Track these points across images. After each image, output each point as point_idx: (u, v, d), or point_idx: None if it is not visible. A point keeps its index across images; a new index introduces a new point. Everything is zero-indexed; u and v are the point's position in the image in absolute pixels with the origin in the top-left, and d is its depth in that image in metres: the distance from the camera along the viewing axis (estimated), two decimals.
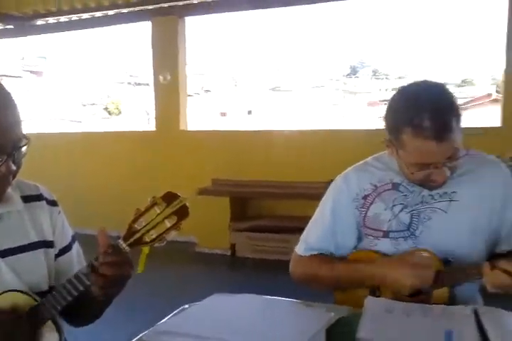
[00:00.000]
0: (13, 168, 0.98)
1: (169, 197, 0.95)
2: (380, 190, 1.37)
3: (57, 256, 1.17)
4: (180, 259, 4.30)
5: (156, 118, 5.12)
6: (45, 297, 1.02)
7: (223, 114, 23.99)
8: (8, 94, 0.99)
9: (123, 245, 0.98)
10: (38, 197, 1.18)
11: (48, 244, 1.15)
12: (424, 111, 1.16)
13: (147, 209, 0.96)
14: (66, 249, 1.20)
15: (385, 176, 1.38)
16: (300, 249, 1.46)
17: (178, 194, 0.97)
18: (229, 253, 4.38)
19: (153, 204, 0.96)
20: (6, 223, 1.09)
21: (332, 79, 33.32)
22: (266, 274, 3.78)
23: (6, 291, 1.02)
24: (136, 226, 0.97)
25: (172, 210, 0.95)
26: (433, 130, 1.15)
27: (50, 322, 1.01)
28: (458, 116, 1.20)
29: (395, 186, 1.37)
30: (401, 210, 1.35)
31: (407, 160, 1.25)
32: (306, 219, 1.50)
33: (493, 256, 1.31)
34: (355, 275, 1.34)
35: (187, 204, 0.96)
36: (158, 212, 0.95)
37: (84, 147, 5.26)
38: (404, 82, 1.31)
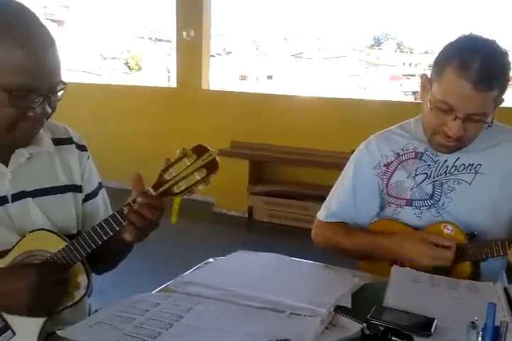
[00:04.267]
0: (48, 110, 0.96)
1: (199, 150, 0.94)
2: (403, 159, 1.36)
3: (83, 201, 1.17)
4: (197, 218, 4.32)
5: (177, 75, 5.04)
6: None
7: (243, 77, 23.71)
8: (51, 36, 0.96)
9: (153, 193, 0.97)
10: (68, 141, 1.16)
11: (76, 188, 1.14)
12: (479, 54, 1.13)
13: (177, 161, 0.95)
14: (92, 195, 1.19)
15: (409, 145, 1.37)
16: (322, 215, 1.45)
17: (208, 147, 0.96)
18: (246, 215, 4.39)
19: (183, 155, 0.95)
20: (36, 164, 1.08)
21: (355, 49, 32.60)
22: (282, 239, 3.82)
23: (37, 230, 1.02)
24: (165, 176, 0.96)
25: (202, 163, 0.94)
26: (477, 74, 1.12)
27: (79, 264, 1.01)
28: (504, 84, 1.16)
29: (419, 155, 1.35)
30: (424, 180, 1.33)
31: (435, 95, 1.20)
32: (324, 188, 1.50)
33: None
34: (374, 248, 1.32)
35: (217, 158, 0.95)
36: (188, 164, 0.94)
37: (105, 99, 5.21)
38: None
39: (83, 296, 1.01)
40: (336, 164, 4.37)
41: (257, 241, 3.83)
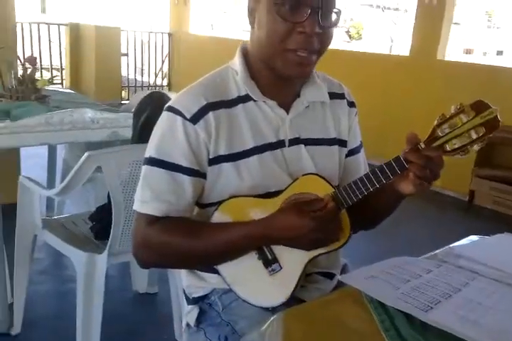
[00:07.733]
0: (317, 28, 0.94)
1: (479, 106, 0.86)
2: None
3: (346, 156, 1.17)
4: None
5: (412, 43, 4.80)
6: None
7: (468, 51, 21.72)
8: None
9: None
10: (341, 96, 1.17)
11: (342, 143, 1.15)
12: None
13: (452, 117, 0.88)
14: (355, 151, 1.19)
15: None
16: None
17: (489, 104, 0.86)
18: (465, 198, 4.08)
19: (460, 111, 0.87)
20: (311, 113, 1.11)
21: None
22: (506, 229, 3.46)
23: (308, 174, 1.05)
24: (438, 132, 0.89)
25: (481, 121, 0.85)
26: None
27: (343, 213, 1.00)
28: None
29: None
30: None
31: None
32: None
33: None
34: None
35: (498, 116, 0.85)
36: (465, 120, 0.87)
37: (335, 65, 5.25)
38: None
39: (345, 242, 1.00)
40: None
41: (476, 227, 3.53)
